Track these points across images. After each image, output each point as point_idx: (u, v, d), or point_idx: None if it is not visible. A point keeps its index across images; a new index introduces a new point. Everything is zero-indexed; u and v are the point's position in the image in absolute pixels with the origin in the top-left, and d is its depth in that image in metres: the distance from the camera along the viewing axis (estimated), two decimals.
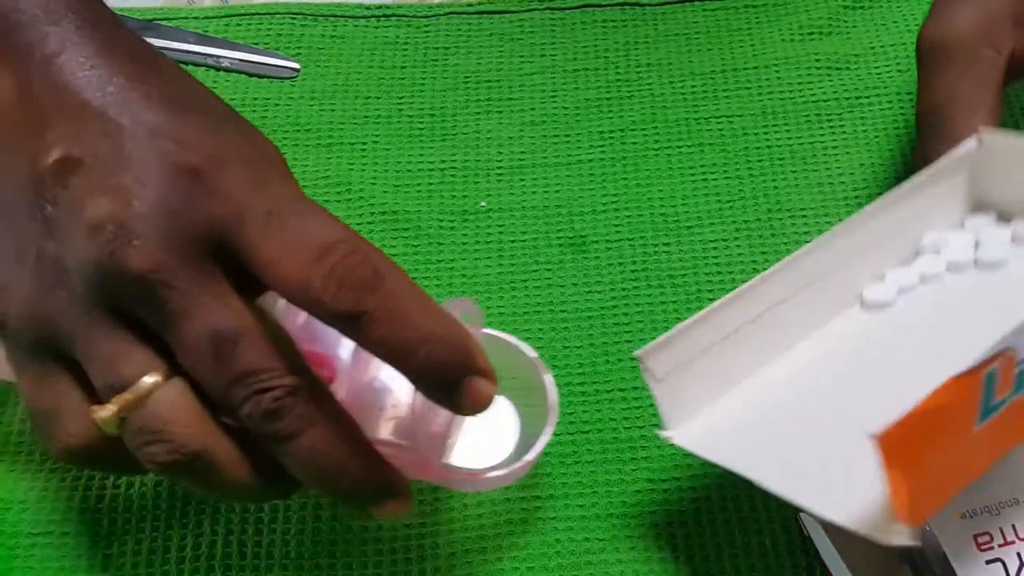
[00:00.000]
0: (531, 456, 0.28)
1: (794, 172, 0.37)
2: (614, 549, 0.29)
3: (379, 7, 0.42)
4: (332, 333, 0.24)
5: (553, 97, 0.40)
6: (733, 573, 0.29)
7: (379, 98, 0.40)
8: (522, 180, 0.37)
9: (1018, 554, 0.26)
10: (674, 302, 0.34)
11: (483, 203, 0.37)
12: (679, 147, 0.38)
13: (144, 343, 0.23)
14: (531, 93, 0.40)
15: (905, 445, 0.21)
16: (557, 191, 0.37)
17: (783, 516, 0.30)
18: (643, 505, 0.30)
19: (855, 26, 0.41)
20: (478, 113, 0.39)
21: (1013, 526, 0.26)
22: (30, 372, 0.24)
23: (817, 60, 0.40)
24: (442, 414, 0.27)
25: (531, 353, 0.29)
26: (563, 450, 0.31)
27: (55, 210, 0.23)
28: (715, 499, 0.30)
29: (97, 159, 0.23)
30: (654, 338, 0.33)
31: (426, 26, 0.42)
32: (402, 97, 0.40)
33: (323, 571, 0.29)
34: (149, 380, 0.23)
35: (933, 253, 0.30)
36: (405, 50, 0.41)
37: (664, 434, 0.27)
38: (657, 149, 0.38)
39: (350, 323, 0.23)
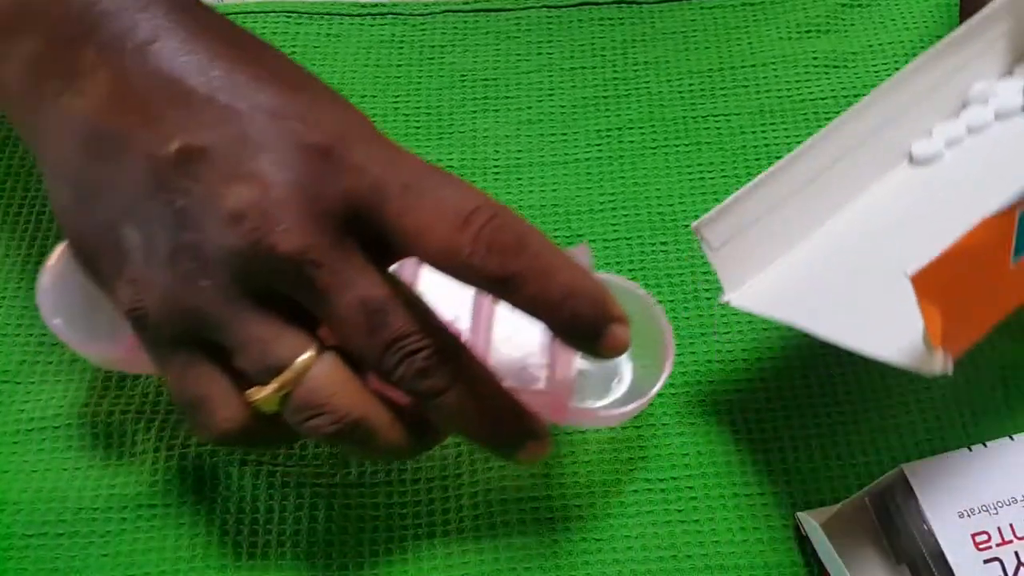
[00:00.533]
0: (654, 390, 0.29)
1: None
2: (611, 549, 0.29)
3: (374, 5, 0.42)
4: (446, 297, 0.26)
5: (550, 95, 0.39)
6: (733, 571, 0.29)
7: (375, 97, 0.39)
8: (519, 179, 0.37)
9: (1016, 553, 0.26)
10: (671, 301, 0.34)
11: None
12: (676, 146, 0.38)
13: (292, 323, 0.24)
14: (528, 92, 0.40)
15: (939, 282, 0.22)
16: (554, 190, 0.37)
17: (782, 515, 0.30)
18: (640, 505, 0.30)
19: (853, 24, 0.41)
20: (474, 112, 0.39)
21: (1011, 525, 0.26)
22: (176, 363, 0.25)
23: (815, 58, 0.40)
24: (568, 358, 0.28)
25: (640, 291, 0.30)
26: (559, 450, 0.31)
27: (187, 202, 0.23)
28: (713, 498, 0.30)
29: (221, 146, 0.23)
30: None
31: (422, 24, 0.41)
32: (398, 96, 0.39)
33: (319, 572, 0.29)
34: (304, 357, 0.24)
35: (981, 103, 0.31)
36: (401, 48, 0.41)
37: (723, 299, 0.29)
38: (654, 148, 0.38)
39: (500, 285, 0.24)
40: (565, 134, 0.38)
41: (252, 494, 0.30)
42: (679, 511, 0.30)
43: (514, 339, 0.29)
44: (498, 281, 0.24)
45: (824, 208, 0.29)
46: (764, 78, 0.40)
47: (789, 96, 0.39)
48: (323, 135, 0.24)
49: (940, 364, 0.23)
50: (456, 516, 0.30)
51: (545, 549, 0.29)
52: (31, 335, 0.33)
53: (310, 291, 0.24)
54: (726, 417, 0.32)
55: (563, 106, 0.39)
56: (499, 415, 0.25)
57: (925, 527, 0.26)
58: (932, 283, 0.22)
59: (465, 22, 0.41)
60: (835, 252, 0.29)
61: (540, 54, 0.41)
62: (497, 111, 0.39)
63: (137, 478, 0.30)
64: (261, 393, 0.24)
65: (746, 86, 0.39)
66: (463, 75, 0.40)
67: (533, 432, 0.26)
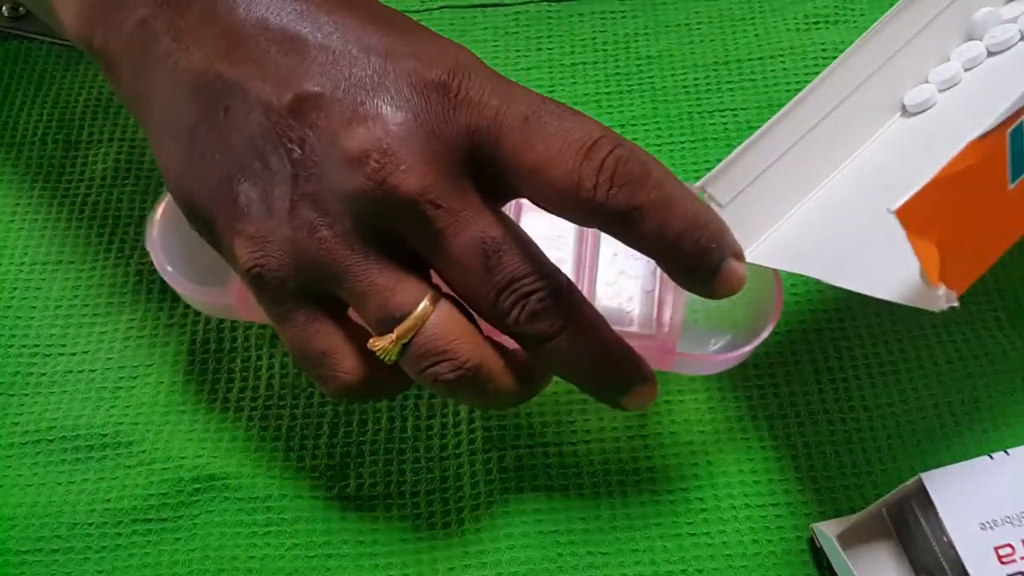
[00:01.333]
0: (765, 334, 0.28)
1: None
2: (619, 563, 0.28)
3: None
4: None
5: (551, 92, 0.38)
6: None
7: None
8: None
9: None
10: None
11: None
12: (682, 143, 0.37)
13: (410, 271, 0.24)
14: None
15: (928, 214, 0.22)
16: None
17: (795, 526, 0.29)
18: (648, 516, 0.29)
19: (863, 14, 0.40)
20: None
21: None
22: (296, 319, 0.24)
23: (824, 50, 0.39)
24: (676, 301, 0.28)
25: None
26: (563, 461, 0.30)
27: (305, 151, 0.23)
28: (725, 508, 0.29)
29: (337, 91, 0.23)
30: None
31: (419, 20, 0.40)
32: None
33: (319, 564, 0.28)
34: (424, 305, 0.24)
35: (975, 39, 0.30)
36: None
37: None
38: (659, 145, 0.37)
39: (622, 219, 0.23)
40: None
41: (249, 507, 0.29)
42: (688, 523, 0.29)
43: (618, 283, 0.29)
44: (621, 215, 0.23)
45: (826, 160, 0.29)
46: (772, 71, 0.39)
47: (799, 89, 0.37)
48: (439, 71, 0.24)
49: (943, 300, 0.22)
50: (457, 529, 0.29)
51: (549, 564, 0.28)
52: (24, 346, 0.33)
53: (427, 233, 0.23)
54: (736, 424, 0.31)
55: (564, 103, 0.38)
56: (609, 359, 0.25)
57: (945, 539, 0.26)
58: (920, 216, 0.22)
59: (463, 18, 0.40)
60: (840, 202, 0.28)
61: (540, 50, 0.40)
62: None
63: (132, 492, 0.30)
64: (383, 342, 0.24)
65: (754, 80, 0.38)
66: None
67: (641, 376, 0.26)
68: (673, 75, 0.39)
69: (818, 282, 0.33)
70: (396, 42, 0.24)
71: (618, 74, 0.39)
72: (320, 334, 0.25)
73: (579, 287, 0.27)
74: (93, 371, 0.32)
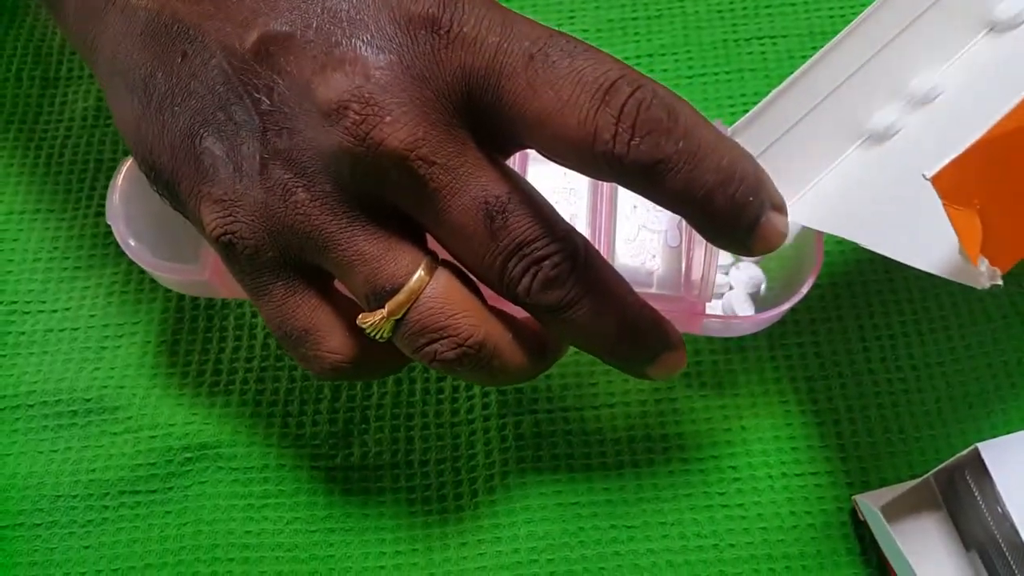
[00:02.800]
0: (805, 289, 0.25)
1: None
2: (644, 537, 0.26)
3: None
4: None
5: (571, 19, 0.35)
6: (782, 560, 0.26)
7: None
8: None
9: None
10: None
11: None
12: (716, 74, 0.34)
13: (401, 236, 0.21)
14: (546, 14, 0.35)
15: (969, 183, 0.20)
16: None
17: (836, 497, 0.27)
18: (677, 487, 0.27)
19: None
20: None
21: None
22: (275, 292, 0.22)
23: None
24: (705, 258, 0.25)
25: None
26: (585, 427, 0.28)
27: (274, 101, 0.20)
28: (760, 477, 0.27)
29: (309, 29, 0.20)
30: None
31: None
32: None
33: (319, 563, 0.26)
34: (418, 275, 0.21)
35: None
36: None
37: None
38: (691, 77, 0.34)
39: (646, 174, 0.20)
40: None
41: (244, 478, 0.27)
42: (720, 494, 0.27)
43: (639, 238, 0.26)
44: (644, 169, 0.20)
45: (865, 109, 0.26)
46: None
47: (842, 15, 0.35)
48: (427, 3, 0.20)
49: (985, 278, 0.20)
50: (470, 502, 0.27)
51: (570, 538, 0.26)
52: (0, 303, 0.30)
53: (420, 195, 0.21)
54: (773, 387, 0.28)
55: (586, 30, 0.35)
56: (632, 328, 0.22)
57: (999, 510, 0.24)
58: (959, 184, 0.19)
59: None
60: (884, 157, 0.26)
61: None
62: None
63: (119, 462, 0.28)
64: (373, 318, 0.21)
65: (794, 4, 0.35)
66: None
67: (668, 343, 0.23)
68: None
69: None
70: None
71: None
72: (302, 309, 0.22)
73: (596, 245, 0.25)
74: (75, 330, 0.30)
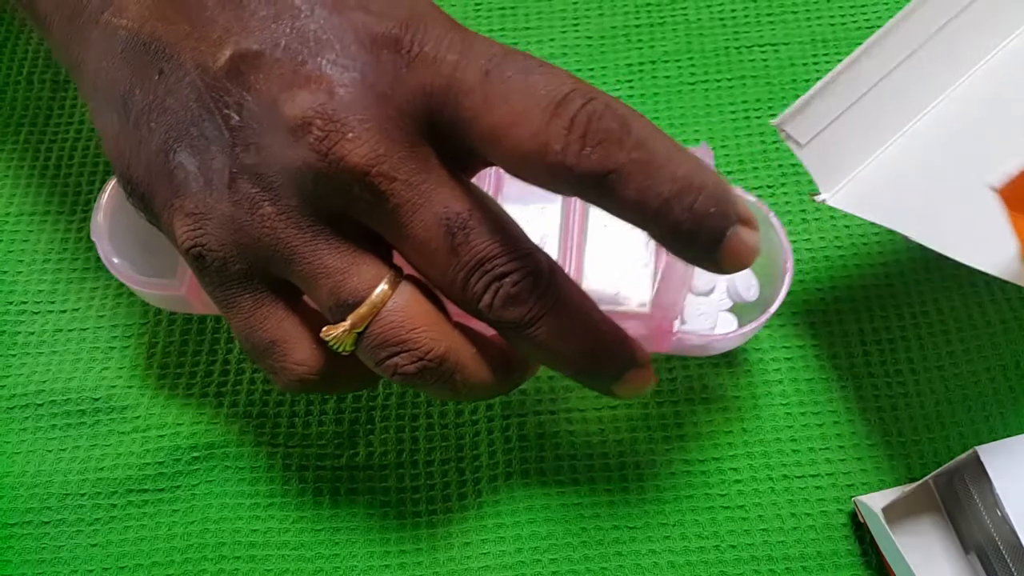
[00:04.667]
0: (773, 308, 0.25)
1: None
2: (646, 538, 0.27)
3: None
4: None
5: (575, 26, 0.36)
6: (782, 562, 0.26)
7: None
8: None
9: None
10: None
11: None
12: (718, 81, 0.34)
13: (366, 250, 0.22)
14: (550, 22, 0.36)
15: None
16: None
17: (837, 499, 0.27)
18: (678, 488, 0.27)
19: None
20: None
21: None
22: (242, 304, 0.22)
23: None
24: (674, 276, 0.25)
25: (751, 198, 0.27)
26: (588, 428, 0.28)
27: (243, 117, 0.21)
28: (761, 479, 0.27)
29: (277, 48, 0.21)
30: None
31: None
32: None
33: (324, 562, 0.26)
34: (381, 289, 0.21)
35: None
36: None
37: (818, 198, 0.26)
38: (693, 83, 0.34)
39: (599, 184, 0.20)
40: (592, 69, 0.35)
41: (251, 477, 0.28)
42: (721, 495, 0.27)
43: (610, 257, 0.26)
44: (597, 178, 0.20)
45: (916, 97, 0.26)
46: (815, 2, 0.36)
47: (843, 23, 0.35)
48: (390, 24, 0.21)
49: None
50: (474, 502, 0.27)
51: (572, 539, 0.27)
52: (10, 303, 0.31)
53: (382, 210, 0.21)
54: (775, 388, 0.29)
55: (589, 37, 0.35)
56: (596, 346, 0.22)
57: (999, 513, 0.24)
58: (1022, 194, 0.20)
59: None
60: (932, 148, 0.26)
61: None
62: (516, 44, 0.35)
63: (127, 460, 0.28)
64: (336, 331, 0.22)
65: (795, 12, 0.35)
66: (478, 4, 0.36)
67: (635, 360, 0.23)
68: (708, 6, 0.36)
69: (862, 236, 0.31)
70: None
71: (649, 5, 0.36)
72: (269, 321, 0.22)
73: (566, 263, 0.25)
74: (84, 330, 0.30)
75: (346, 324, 0.21)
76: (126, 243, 0.26)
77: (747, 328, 0.26)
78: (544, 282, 0.21)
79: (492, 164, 0.22)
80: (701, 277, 0.27)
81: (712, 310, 0.27)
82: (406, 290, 0.22)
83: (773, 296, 0.26)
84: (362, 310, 0.21)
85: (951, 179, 0.25)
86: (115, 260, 0.26)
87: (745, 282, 0.28)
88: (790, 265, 0.27)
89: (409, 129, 0.21)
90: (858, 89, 0.26)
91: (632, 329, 0.24)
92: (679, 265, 0.25)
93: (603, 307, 0.23)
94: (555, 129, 0.20)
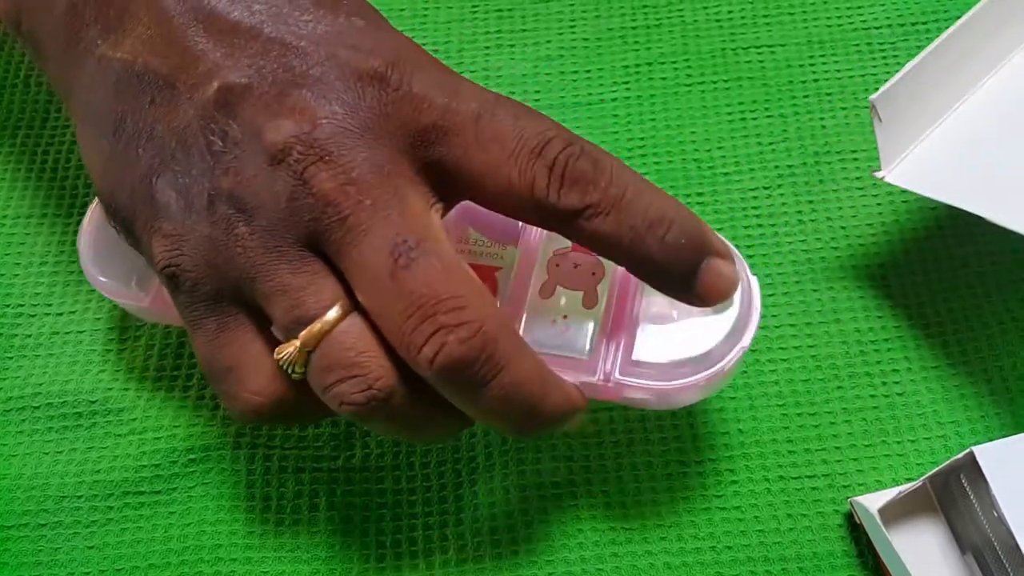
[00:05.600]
0: (728, 363, 0.24)
1: (844, 109, 0.33)
2: (643, 539, 0.27)
3: None
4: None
5: (572, 28, 0.36)
6: (778, 563, 0.26)
7: None
8: None
9: None
10: None
11: None
12: (714, 82, 0.34)
13: (330, 274, 0.22)
14: (547, 23, 0.36)
15: None
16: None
17: (833, 500, 0.27)
18: (675, 490, 0.27)
19: None
20: (487, 47, 0.35)
21: None
22: (207, 326, 0.23)
23: None
24: (630, 320, 0.24)
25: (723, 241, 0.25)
26: (584, 430, 0.28)
27: (226, 144, 0.22)
28: (757, 480, 0.27)
29: (264, 81, 0.22)
30: None
31: None
32: (402, 30, 0.36)
33: (320, 564, 0.27)
34: (336, 310, 0.21)
35: None
36: None
37: (878, 174, 0.27)
38: (689, 85, 0.34)
39: (577, 219, 0.22)
40: (589, 71, 0.35)
41: (247, 480, 0.28)
42: (718, 496, 0.27)
43: (556, 297, 0.25)
44: (575, 214, 0.21)
45: (975, 75, 0.27)
46: (812, 4, 0.36)
47: (840, 25, 0.35)
48: (377, 62, 0.22)
49: None
50: (470, 503, 0.27)
51: (569, 540, 0.27)
52: (7, 306, 0.31)
53: (341, 233, 0.21)
54: (771, 389, 0.29)
55: (586, 39, 0.35)
56: (534, 415, 0.22)
57: (995, 514, 0.24)
58: None
59: None
60: (995, 122, 0.26)
61: None
62: (512, 46, 0.35)
63: (124, 463, 0.28)
64: (287, 350, 0.22)
65: (792, 13, 0.36)
66: (475, 6, 0.36)
67: (572, 415, 0.23)
68: (705, 7, 0.36)
69: (859, 237, 0.31)
70: (336, 29, 0.22)
71: (645, 7, 0.36)
72: (230, 347, 0.22)
73: (513, 305, 0.24)
74: (81, 332, 0.30)
75: (297, 342, 0.21)
76: (111, 260, 0.27)
77: (696, 379, 0.24)
78: (492, 344, 0.21)
79: (472, 198, 0.23)
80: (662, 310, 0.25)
81: (673, 345, 0.25)
82: (360, 319, 0.21)
83: (738, 336, 0.24)
84: (315, 327, 0.21)
85: (1006, 154, 0.25)
86: (102, 280, 0.27)
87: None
88: (757, 306, 0.24)
89: (387, 161, 0.21)
90: (944, 68, 0.26)
91: (578, 371, 0.23)
92: (632, 312, 0.24)
93: (550, 349, 0.23)
94: (540, 170, 0.21)
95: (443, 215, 0.23)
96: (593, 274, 0.25)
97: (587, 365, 0.24)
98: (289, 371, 0.22)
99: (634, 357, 0.24)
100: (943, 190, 0.25)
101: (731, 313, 0.24)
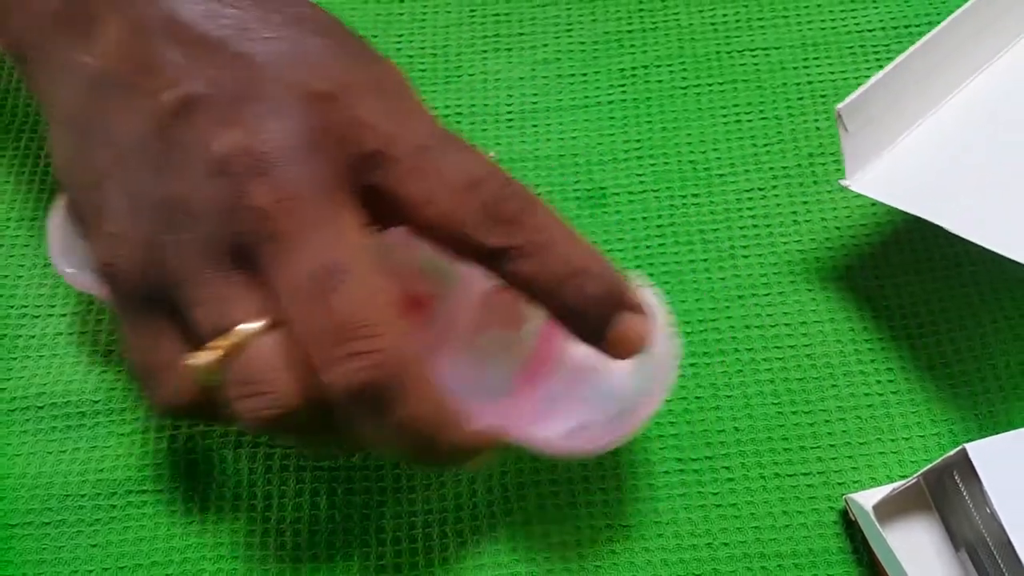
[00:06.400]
0: (635, 421, 0.24)
1: None
2: (640, 536, 0.27)
3: None
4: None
5: (568, 32, 0.36)
6: (774, 559, 0.26)
7: (376, 36, 0.36)
8: (534, 125, 0.34)
9: None
10: (704, 260, 0.31)
11: (492, 153, 0.34)
12: (709, 85, 0.34)
13: (258, 287, 0.22)
14: (543, 28, 0.36)
15: None
16: (573, 137, 0.34)
17: (828, 496, 0.27)
18: (672, 487, 0.28)
19: None
20: (485, 51, 0.36)
21: None
22: (137, 326, 0.23)
23: None
24: (548, 367, 0.25)
25: (645, 283, 0.25)
26: (489, 466, 0.28)
27: (176, 152, 0.22)
28: (753, 477, 0.28)
29: (221, 94, 0.22)
30: (683, 301, 0.30)
31: None
32: (401, 35, 0.36)
33: (321, 562, 0.27)
34: (256, 324, 0.21)
35: None
36: None
37: (844, 183, 0.27)
38: (685, 88, 0.34)
39: (499, 258, 0.22)
40: (585, 74, 0.35)
41: (249, 479, 0.28)
42: (714, 494, 0.27)
43: (490, 333, 0.25)
44: (499, 253, 0.22)
45: (945, 85, 0.27)
46: (806, 8, 0.36)
47: (834, 28, 0.36)
48: (329, 84, 0.23)
49: None
50: (469, 502, 0.27)
51: (567, 537, 0.27)
52: (11, 307, 0.31)
53: (272, 247, 0.21)
54: (767, 387, 0.29)
55: (583, 43, 0.36)
56: (433, 446, 0.22)
57: (988, 511, 0.24)
58: None
59: None
60: (960, 135, 0.27)
61: None
62: (510, 50, 0.36)
63: (126, 462, 0.28)
64: (197, 358, 0.22)
65: (787, 16, 0.36)
66: (472, 10, 0.37)
67: (475, 454, 0.23)
68: (700, 11, 0.36)
69: (853, 238, 0.31)
70: (294, 48, 0.23)
71: (641, 10, 0.36)
72: (155, 348, 0.23)
73: (442, 340, 0.24)
74: (84, 333, 0.30)
75: (209, 352, 0.21)
76: (76, 250, 0.27)
77: (604, 432, 0.24)
78: (398, 376, 0.21)
79: (408, 225, 0.23)
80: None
81: (586, 404, 0.25)
82: (278, 336, 0.21)
83: (650, 397, 0.24)
84: (225, 340, 0.21)
85: (977, 166, 0.25)
86: (68, 270, 0.27)
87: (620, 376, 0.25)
88: (672, 363, 0.25)
89: (326, 181, 0.22)
90: (905, 82, 0.26)
91: (491, 415, 0.23)
92: (549, 355, 0.25)
93: (460, 388, 0.23)
94: (470, 206, 0.22)
95: (377, 239, 0.23)
96: (522, 315, 0.25)
97: (503, 407, 0.24)
98: (203, 378, 0.22)
99: (551, 404, 0.24)
100: (908, 200, 0.25)
101: (649, 367, 0.24)
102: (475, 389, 0.24)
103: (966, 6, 0.28)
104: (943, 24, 0.28)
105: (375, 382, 0.21)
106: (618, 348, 0.23)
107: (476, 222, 0.22)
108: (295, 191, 0.21)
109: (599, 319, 0.23)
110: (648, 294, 0.24)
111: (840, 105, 0.26)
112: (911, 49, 0.27)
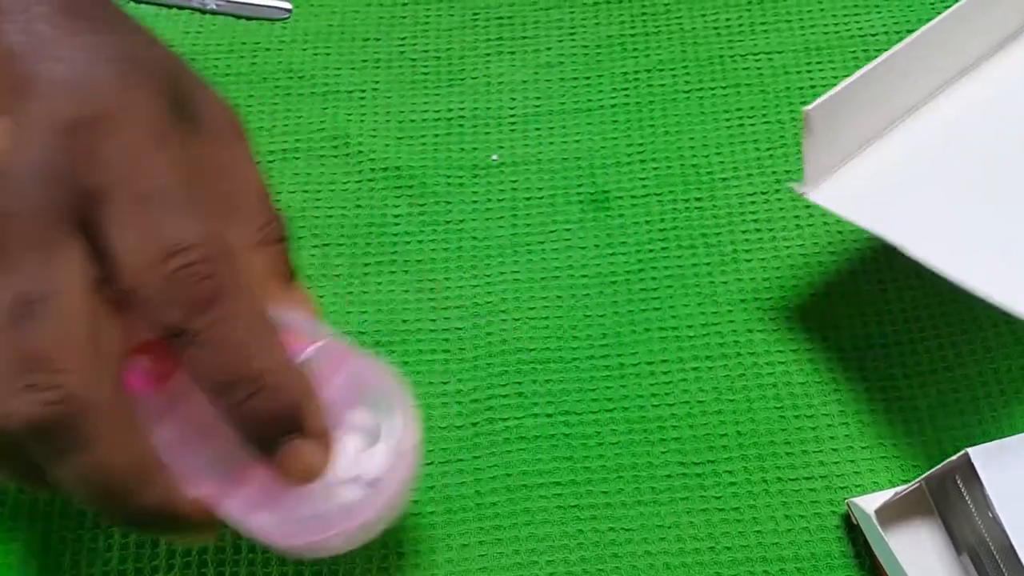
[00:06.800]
0: (349, 526, 0.21)
1: None
2: (642, 540, 0.27)
3: None
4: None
5: (571, 35, 0.36)
6: (776, 563, 0.26)
7: (379, 40, 0.36)
8: (538, 129, 0.34)
9: None
10: (707, 264, 0.31)
11: (495, 156, 0.34)
12: (712, 89, 0.34)
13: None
14: (547, 31, 0.36)
15: None
16: (576, 140, 0.34)
17: (830, 501, 0.27)
18: (674, 491, 0.28)
19: None
20: (488, 54, 0.36)
21: None
22: None
23: None
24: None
25: (395, 386, 0.23)
26: (584, 431, 0.28)
27: None
28: (755, 481, 0.28)
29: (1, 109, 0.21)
30: (685, 305, 0.31)
31: None
32: (404, 38, 0.36)
33: (324, 563, 0.27)
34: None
35: None
36: None
37: (798, 189, 0.27)
38: (688, 91, 0.34)
39: (178, 339, 0.20)
40: (588, 78, 0.35)
41: None
42: (717, 498, 0.27)
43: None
44: (170, 331, 0.20)
45: (909, 100, 0.27)
46: (809, 12, 0.36)
47: (837, 32, 0.36)
48: (92, 111, 0.21)
49: None
50: (472, 503, 0.27)
51: (569, 540, 0.27)
52: None
53: None
54: (769, 392, 0.29)
55: (586, 46, 0.36)
56: (125, 504, 0.21)
57: (990, 515, 0.24)
58: None
59: None
60: (925, 153, 0.26)
61: None
62: (513, 53, 0.36)
63: None
64: None
65: (789, 21, 0.36)
66: (475, 14, 0.37)
67: (185, 525, 0.22)
68: (703, 15, 0.36)
69: (855, 242, 0.31)
70: (81, 73, 0.22)
71: (644, 14, 0.36)
72: None
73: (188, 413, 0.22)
74: None
75: None
76: None
77: (327, 533, 0.21)
78: (78, 417, 0.20)
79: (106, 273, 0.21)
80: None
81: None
82: (88, 306, 0.20)
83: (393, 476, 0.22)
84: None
85: (939, 185, 0.25)
86: None
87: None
88: (408, 446, 0.22)
89: (47, 207, 0.21)
90: (872, 91, 0.26)
91: (213, 488, 0.22)
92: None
93: (190, 461, 0.21)
94: (156, 273, 0.20)
95: (94, 275, 0.21)
96: None
97: (228, 486, 0.22)
98: None
99: (277, 493, 0.22)
100: (866, 216, 0.24)
101: (379, 470, 0.22)
102: (203, 463, 0.22)
103: (937, 19, 0.27)
104: (912, 37, 0.27)
105: (51, 419, 0.19)
106: (284, 473, 0.21)
107: (158, 292, 0.20)
108: (15, 212, 0.20)
109: (264, 440, 0.21)
110: (386, 381, 0.22)
111: (809, 107, 0.26)
112: (882, 56, 0.26)
